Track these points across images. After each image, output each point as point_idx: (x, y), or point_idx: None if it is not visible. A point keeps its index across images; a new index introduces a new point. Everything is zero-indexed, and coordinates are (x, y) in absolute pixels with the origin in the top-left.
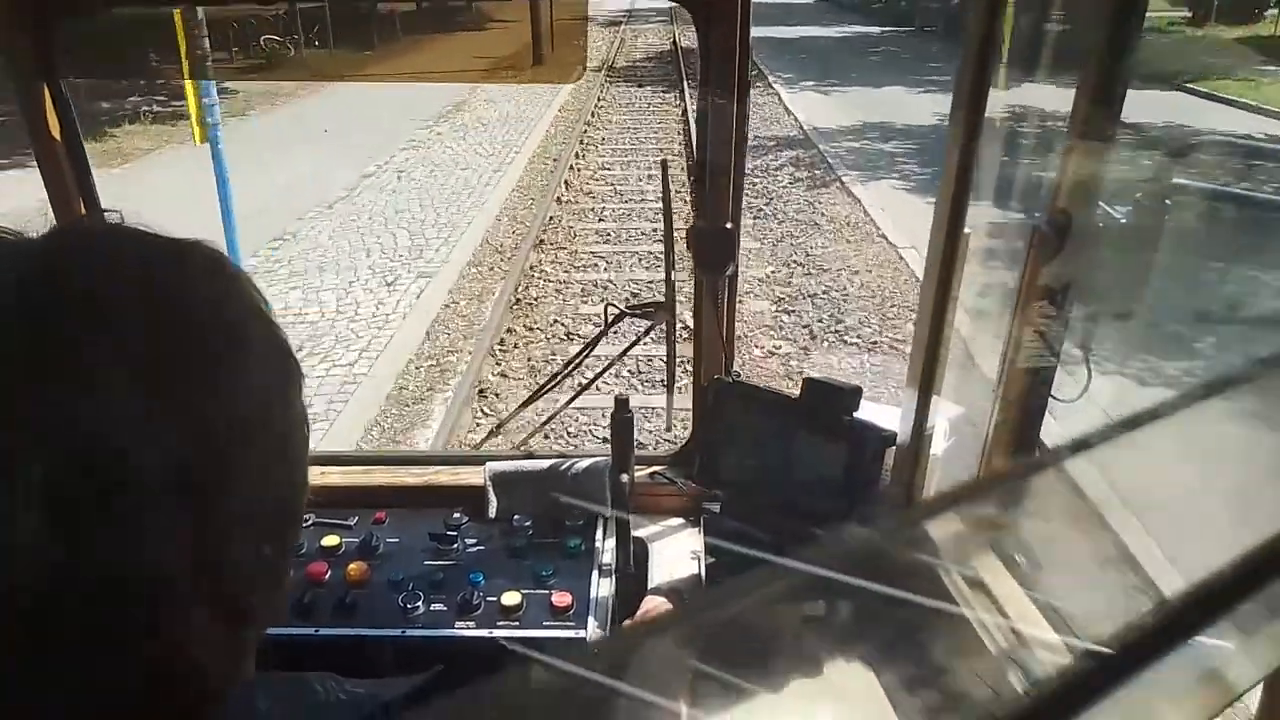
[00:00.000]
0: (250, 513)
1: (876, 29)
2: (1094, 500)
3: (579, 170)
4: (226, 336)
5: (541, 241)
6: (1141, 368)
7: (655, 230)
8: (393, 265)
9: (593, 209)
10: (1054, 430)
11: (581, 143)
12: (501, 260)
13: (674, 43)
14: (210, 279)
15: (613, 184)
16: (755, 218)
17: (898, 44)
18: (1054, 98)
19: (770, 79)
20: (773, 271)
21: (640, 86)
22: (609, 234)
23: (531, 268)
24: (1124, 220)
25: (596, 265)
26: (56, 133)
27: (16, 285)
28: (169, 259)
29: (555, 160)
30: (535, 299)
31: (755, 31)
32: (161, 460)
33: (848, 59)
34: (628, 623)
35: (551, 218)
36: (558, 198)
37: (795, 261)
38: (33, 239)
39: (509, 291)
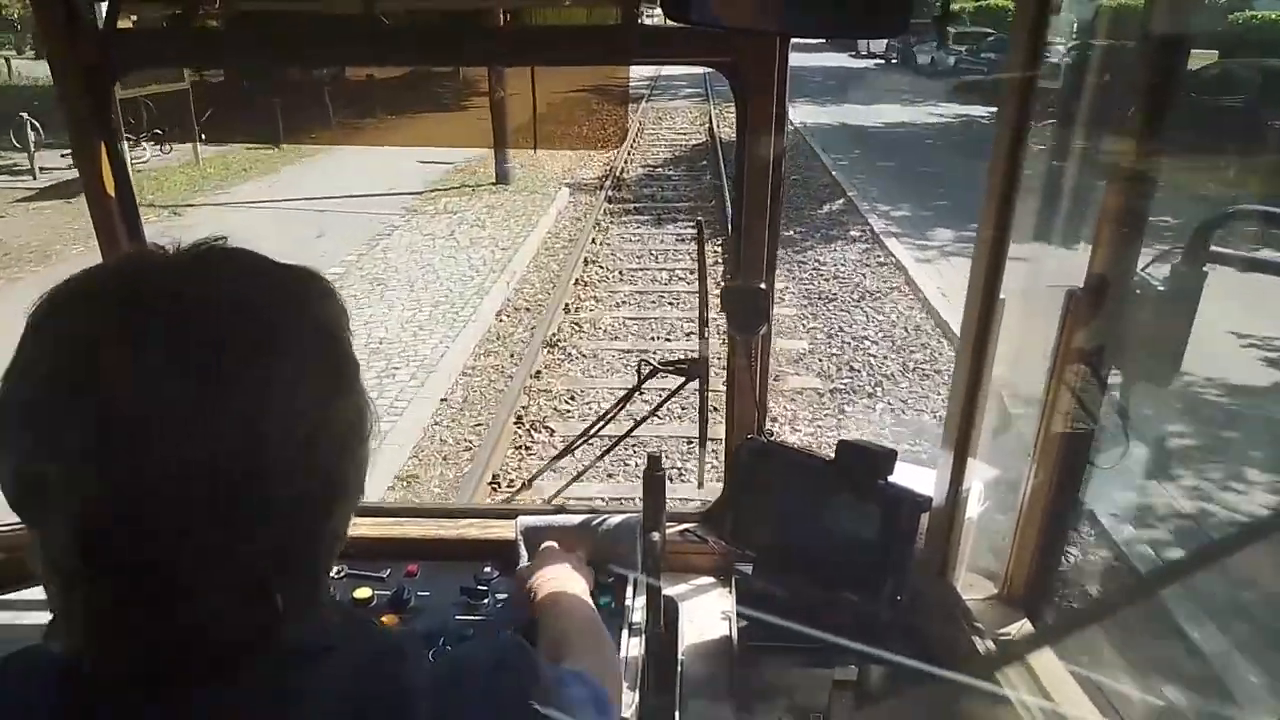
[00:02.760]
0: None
1: (981, 110)
2: (1144, 574)
3: None
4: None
5: None
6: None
7: None
8: None
9: None
10: (1094, 496)
11: (520, 424)
12: None
13: (710, 133)
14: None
15: None
16: None
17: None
18: (1090, 163)
19: (869, 217)
20: None
21: (659, 224)
22: None
23: None
24: (1161, 287)
25: None
26: (111, 188)
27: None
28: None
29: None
30: None
31: (818, 117)
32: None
33: (972, 168)
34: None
35: None
36: None
37: None
38: (181, 252)
39: None
